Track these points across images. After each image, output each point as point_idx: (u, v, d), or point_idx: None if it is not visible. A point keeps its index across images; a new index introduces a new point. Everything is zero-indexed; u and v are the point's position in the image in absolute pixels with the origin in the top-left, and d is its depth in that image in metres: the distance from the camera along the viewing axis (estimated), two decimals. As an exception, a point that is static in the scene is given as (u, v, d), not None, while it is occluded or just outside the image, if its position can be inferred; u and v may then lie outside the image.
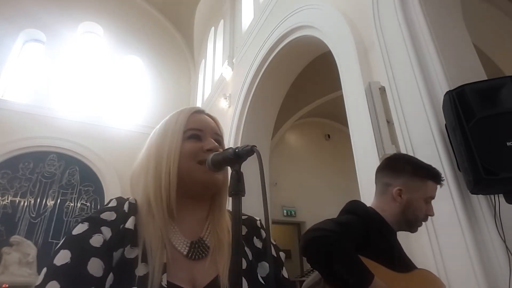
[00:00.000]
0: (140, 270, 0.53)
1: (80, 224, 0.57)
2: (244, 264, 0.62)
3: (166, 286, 0.53)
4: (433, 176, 1.17)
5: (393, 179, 1.18)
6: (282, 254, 0.72)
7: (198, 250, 0.62)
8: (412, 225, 1.16)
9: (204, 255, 0.62)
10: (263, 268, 0.65)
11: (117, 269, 0.53)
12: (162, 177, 0.63)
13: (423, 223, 1.19)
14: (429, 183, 1.15)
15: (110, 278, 0.52)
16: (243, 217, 0.74)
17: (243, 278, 0.57)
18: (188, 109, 0.72)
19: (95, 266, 0.52)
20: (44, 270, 0.52)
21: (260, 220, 0.75)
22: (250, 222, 0.74)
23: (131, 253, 0.55)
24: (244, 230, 0.70)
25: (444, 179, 1.20)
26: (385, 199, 1.19)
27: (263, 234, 0.72)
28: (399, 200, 1.15)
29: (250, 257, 0.65)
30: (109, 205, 0.63)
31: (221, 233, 0.65)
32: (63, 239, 0.56)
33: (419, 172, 1.16)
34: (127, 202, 0.64)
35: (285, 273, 0.70)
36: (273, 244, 0.72)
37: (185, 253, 0.60)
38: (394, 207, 1.16)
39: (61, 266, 0.51)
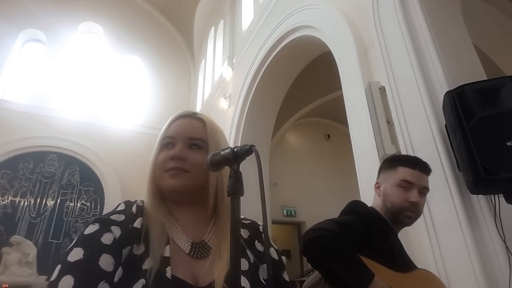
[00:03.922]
0: (146, 264, 0.57)
1: (91, 225, 0.61)
2: (246, 266, 0.64)
3: (170, 278, 0.56)
4: (406, 162, 1.18)
5: (377, 178, 1.25)
6: (284, 258, 0.74)
7: (200, 249, 0.65)
8: (395, 215, 1.13)
9: (206, 255, 0.64)
10: (265, 270, 0.67)
11: (126, 264, 0.57)
12: (149, 183, 0.70)
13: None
14: (399, 168, 1.17)
15: (119, 272, 0.56)
16: (247, 221, 0.77)
17: (245, 279, 0.61)
18: (174, 115, 0.75)
19: (106, 262, 0.56)
20: (58, 266, 0.55)
21: (262, 225, 0.77)
22: (253, 226, 0.76)
23: (138, 249, 0.60)
24: (246, 234, 0.72)
25: (420, 164, 1.18)
26: (374, 198, 1.24)
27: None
28: (378, 193, 1.20)
29: (252, 259, 0.67)
30: (118, 209, 0.67)
31: (222, 238, 0.66)
32: (75, 239, 0.59)
33: (392, 163, 1.21)
34: (134, 205, 0.68)
35: (286, 276, 0.72)
36: (275, 248, 0.74)
37: (187, 251, 0.64)
38: (378, 201, 1.20)
39: (74, 262, 0.54)
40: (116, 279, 0.55)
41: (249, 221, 0.77)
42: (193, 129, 0.72)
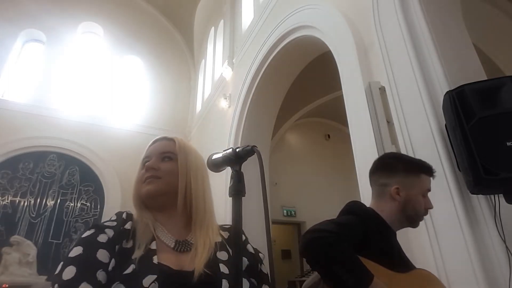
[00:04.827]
0: (135, 255, 0.67)
1: (88, 230, 0.71)
2: (226, 257, 0.76)
3: (157, 264, 0.66)
4: (426, 169, 1.20)
5: (389, 179, 1.20)
6: (261, 255, 0.86)
7: (183, 245, 0.75)
8: (413, 221, 1.17)
9: (189, 249, 0.75)
10: (243, 262, 0.77)
11: (118, 256, 0.67)
12: (133, 198, 0.83)
13: (424, 218, 1.20)
14: (423, 176, 1.18)
15: (112, 262, 0.65)
16: (227, 226, 0.89)
17: (225, 266, 0.72)
18: (150, 142, 0.90)
19: (102, 255, 0.65)
20: (61, 263, 0.63)
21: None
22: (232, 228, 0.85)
23: (127, 244, 0.70)
24: (226, 235, 0.85)
25: (435, 171, 1.22)
26: (383, 199, 1.19)
27: (243, 237, 0.83)
28: (397, 198, 1.16)
29: (231, 253, 0.77)
30: (111, 219, 0.77)
31: (201, 239, 0.76)
32: (75, 241, 0.68)
33: (412, 168, 1.20)
34: (124, 213, 0.78)
35: (263, 268, 0.83)
36: (253, 247, 0.86)
37: (172, 246, 0.74)
38: (393, 205, 1.17)
39: (75, 256, 0.63)
40: (110, 268, 0.64)
41: (229, 225, 0.86)
42: (164, 146, 0.87)
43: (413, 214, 1.16)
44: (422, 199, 1.16)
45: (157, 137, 0.91)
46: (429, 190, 1.18)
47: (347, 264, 0.93)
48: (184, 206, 0.80)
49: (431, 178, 1.20)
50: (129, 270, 0.63)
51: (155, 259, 0.67)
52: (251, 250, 0.84)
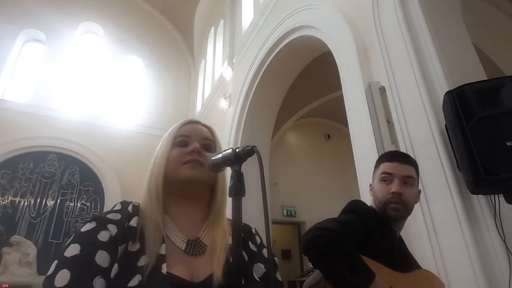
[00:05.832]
0: (142, 261, 0.59)
1: (88, 223, 0.63)
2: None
3: (166, 274, 0.58)
4: (384, 157, 1.22)
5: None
6: (276, 259, 0.78)
7: (195, 246, 0.67)
8: (384, 210, 1.14)
9: (202, 252, 0.67)
10: (259, 269, 0.71)
11: (121, 260, 0.59)
12: (153, 178, 0.73)
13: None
14: (381, 165, 1.20)
15: (115, 268, 0.57)
16: None
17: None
18: (183, 121, 0.83)
19: (102, 258, 0.57)
20: (55, 261, 0.56)
21: (255, 228, 0.82)
22: (246, 228, 0.80)
23: (133, 246, 0.62)
24: None
25: (403, 156, 1.22)
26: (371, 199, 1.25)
27: (258, 240, 0.79)
28: (371, 194, 1.22)
29: (246, 258, 0.71)
30: (115, 208, 0.70)
31: (217, 235, 0.70)
32: (72, 236, 0.61)
33: (377, 162, 1.24)
34: (131, 204, 0.71)
35: (278, 276, 0.75)
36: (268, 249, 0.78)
37: (183, 248, 0.66)
38: (372, 201, 1.22)
39: (71, 257, 0.56)
40: (112, 275, 0.56)
41: (242, 224, 0.81)
42: (204, 132, 0.81)
43: (378, 203, 1.16)
44: (382, 184, 1.15)
45: (190, 118, 0.85)
46: (386, 173, 1.16)
47: (349, 263, 0.93)
48: (209, 200, 0.76)
49: (394, 163, 1.16)
50: (134, 282, 0.56)
51: (164, 268, 0.59)
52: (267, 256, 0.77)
